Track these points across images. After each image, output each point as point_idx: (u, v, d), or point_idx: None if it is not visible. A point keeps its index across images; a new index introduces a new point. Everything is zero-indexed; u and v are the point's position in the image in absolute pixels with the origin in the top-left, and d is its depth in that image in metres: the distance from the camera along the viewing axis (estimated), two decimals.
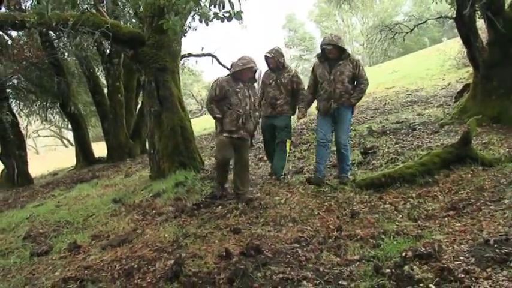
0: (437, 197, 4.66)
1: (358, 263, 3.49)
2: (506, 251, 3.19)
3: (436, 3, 8.21)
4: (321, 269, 3.47)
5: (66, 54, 12.10)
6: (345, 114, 5.43)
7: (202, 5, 3.88)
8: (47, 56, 10.60)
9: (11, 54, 9.48)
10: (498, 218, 3.87)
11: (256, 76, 5.67)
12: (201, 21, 3.71)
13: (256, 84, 5.74)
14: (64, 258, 4.48)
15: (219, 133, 5.48)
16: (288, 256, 3.76)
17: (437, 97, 10.52)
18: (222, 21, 3.63)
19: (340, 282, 3.22)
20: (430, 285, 2.96)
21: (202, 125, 17.21)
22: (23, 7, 9.59)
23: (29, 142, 15.04)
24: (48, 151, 33.91)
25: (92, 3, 8.25)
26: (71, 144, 28.92)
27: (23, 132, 13.12)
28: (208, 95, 5.66)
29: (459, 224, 3.95)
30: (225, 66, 10.74)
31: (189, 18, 8.23)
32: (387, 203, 4.76)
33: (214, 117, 5.45)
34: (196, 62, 19.69)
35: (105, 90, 12.89)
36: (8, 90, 11.64)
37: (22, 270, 4.32)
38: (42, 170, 15.49)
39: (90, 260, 4.24)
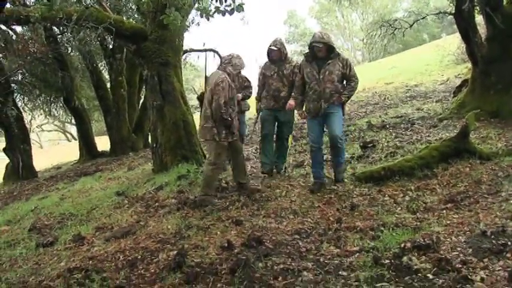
0: (436, 189, 4.72)
1: (357, 254, 3.54)
2: (503, 242, 3.25)
3: None
4: (321, 259, 3.52)
5: (70, 49, 12.15)
6: (337, 112, 5.18)
7: None
8: (51, 51, 10.64)
9: (16, 49, 9.53)
10: (495, 210, 3.92)
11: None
12: (201, 16, 3.75)
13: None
14: (69, 249, 4.55)
15: (225, 137, 5.17)
16: (289, 247, 3.81)
17: (436, 92, 10.58)
18: (223, 15, 3.66)
19: (340, 272, 3.27)
20: (428, 275, 3.01)
21: None
22: (27, 2, 9.62)
23: (33, 136, 15.12)
24: (52, 145, 34.02)
25: None
26: (74, 139, 29.01)
27: (27, 126, 13.18)
28: (223, 97, 5.05)
29: (457, 216, 4.00)
30: None
31: (192, 13, 8.26)
32: (386, 195, 4.82)
33: (225, 120, 5.08)
34: (198, 57, 19.75)
35: (108, 85, 12.92)
36: (12, 84, 11.69)
37: (28, 261, 4.39)
38: (46, 163, 15.57)
39: (95, 251, 4.30)
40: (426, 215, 4.17)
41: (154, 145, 7.53)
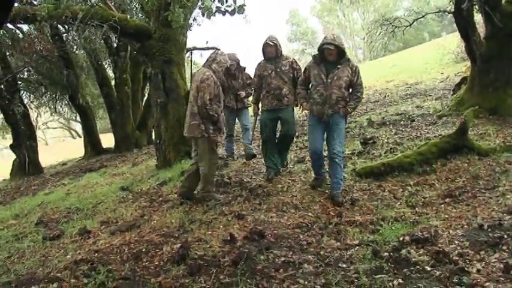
0: (435, 185, 4.81)
1: (357, 247, 3.61)
2: (499, 235, 3.33)
3: None
4: (321, 252, 3.59)
5: (75, 47, 12.21)
6: (340, 122, 4.96)
7: None
8: (57, 49, 10.72)
9: (22, 48, 9.61)
10: (492, 205, 4.01)
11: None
12: (203, 15, 3.80)
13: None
14: (75, 242, 4.60)
15: (213, 132, 5.11)
16: (290, 240, 3.87)
17: (436, 90, 10.62)
18: (224, 14, 3.72)
19: (340, 264, 3.34)
20: (426, 267, 3.09)
21: None
22: (34, 1, 9.71)
23: (38, 133, 15.18)
24: (57, 142, 34.14)
25: None
26: (79, 136, 29.18)
27: (33, 123, 13.30)
28: (208, 94, 5.02)
29: (455, 211, 4.09)
30: None
31: (195, 12, 8.32)
32: (386, 190, 4.90)
33: (212, 117, 5.05)
34: (201, 55, 19.73)
35: (113, 83, 13.00)
36: (19, 82, 11.79)
37: (36, 253, 4.45)
38: (51, 160, 15.65)
39: (100, 244, 4.34)
40: (425, 210, 4.25)
41: (158, 141, 7.59)
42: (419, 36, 36.62)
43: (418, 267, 3.11)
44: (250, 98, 6.56)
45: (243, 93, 6.81)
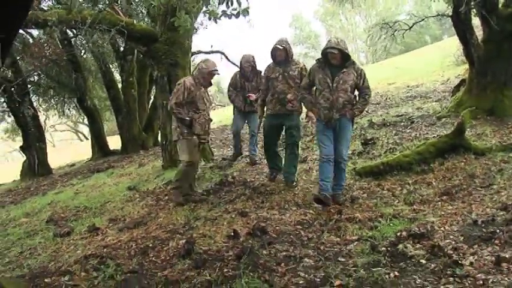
0: (432, 183, 4.92)
1: (356, 242, 3.71)
2: (492, 230, 3.43)
3: (434, 1, 8.35)
4: (321, 247, 3.70)
5: (83, 51, 12.40)
6: (347, 126, 4.93)
7: (211, 3, 4.11)
8: (66, 54, 10.93)
9: (32, 52, 9.81)
10: (487, 202, 4.12)
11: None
12: (209, 19, 3.94)
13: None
14: (84, 238, 4.74)
15: (187, 135, 5.30)
16: (291, 236, 3.98)
17: (436, 92, 10.66)
18: (230, 18, 3.86)
19: (339, 258, 3.44)
20: (422, 260, 3.19)
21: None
22: (43, 7, 9.90)
23: (46, 136, 15.31)
24: (65, 145, 34.41)
25: (108, 2, 8.53)
26: (86, 138, 29.37)
27: (42, 126, 13.50)
28: (175, 98, 5.26)
29: (451, 207, 4.19)
30: (233, 63, 10.94)
31: (200, 16, 8.47)
32: (385, 189, 5.03)
33: (182, 120, 5.26)
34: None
35: (119, 86, 13.16)
36: (29, 85, 12.00)
37: (47, 249, 4.60)
38: (59, 162, 15.77)
39: (109, 240, 4.48)
40: (422, 207, 4.35)
41: (164, 142, 7.72)
42: (421, 40, 36.72)
43: (413, 260, 3.20)
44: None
45: (252, 96, 6.61)
